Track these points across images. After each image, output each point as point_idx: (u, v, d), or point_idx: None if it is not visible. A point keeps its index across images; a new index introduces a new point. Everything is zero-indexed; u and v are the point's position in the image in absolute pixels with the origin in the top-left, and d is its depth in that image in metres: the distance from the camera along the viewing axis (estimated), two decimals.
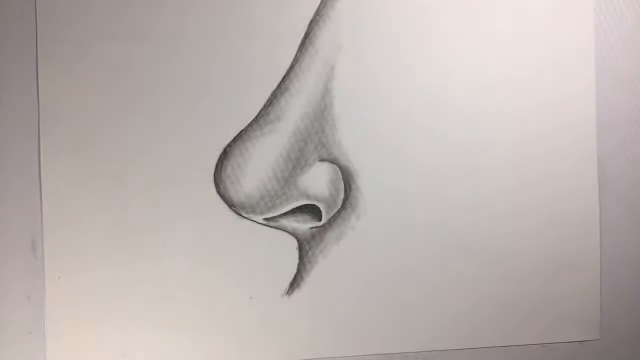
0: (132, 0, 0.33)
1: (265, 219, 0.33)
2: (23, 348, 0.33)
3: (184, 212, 0.33)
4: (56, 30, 0.33)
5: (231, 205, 0.33)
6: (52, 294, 0.33)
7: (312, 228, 0.34)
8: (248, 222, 0.33)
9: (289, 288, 0.33)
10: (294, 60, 0.34)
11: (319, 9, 0.34)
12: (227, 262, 0.33)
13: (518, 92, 0.34)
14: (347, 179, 0.34)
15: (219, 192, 0.33)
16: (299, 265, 0.33)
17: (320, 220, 0.33)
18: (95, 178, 0.33)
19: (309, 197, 0.34)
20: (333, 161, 0.34)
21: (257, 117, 0.34)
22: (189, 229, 0.33)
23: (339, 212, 0.34)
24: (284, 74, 0.34)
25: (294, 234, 0.33)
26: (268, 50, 0.34)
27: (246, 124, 0.34)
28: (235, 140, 0.33)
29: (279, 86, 0.34)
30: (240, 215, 0.33)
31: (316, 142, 0.34)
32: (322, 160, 0.34)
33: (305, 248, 0.33)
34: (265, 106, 0.34)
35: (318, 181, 0.34)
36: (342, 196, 0.34)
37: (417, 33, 0.34)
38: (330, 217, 0.33)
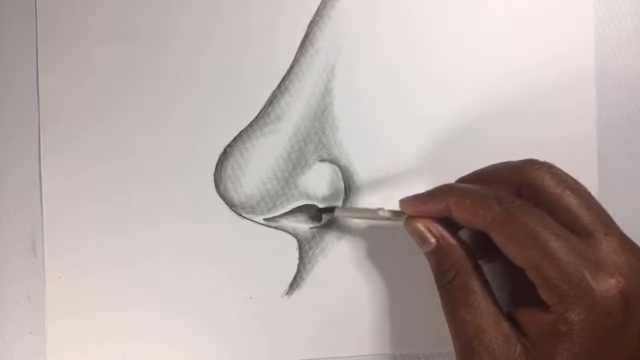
0: (132, 1, 0.33)
1: (265, 219, 0.33)
2: (23, 348, 0.33)
3: (184, 212, 0.33)
4: (56, 30, 0.33)
5: (231, 205, 0.33)
6: (52, 294, 0.33)
7: (312, 228, 0.34)
8: (248, 222, 0.33)
9: (289, 288, 0.33)
10: (294, 60, 0.34)
11: (319, 9, 0.34)
12: (227, 262, 0.33)
13: (518, 92, 0.34)
14: (347, 179, 0.34)
15: (219, 192, 0.33)
16: (299, 265, 0.33)
17: (320, 220, 0.33)
18: (95, 178, 0.33)
19: (309, 197, 0.34)
20: (333, 161, 0.34)
21: (257, 117, 0.34)
22: (189, 229, 0.33)
23: None
24: (283, 74, 0.34)
25: (294, 234, 0.33)
26: (268, 51, 0.34)
27: (246, 124, 0.34)
28: (235, 140, 0.33)
29: (279, 86, 0.34)
30: (240, 215, 0.33)
31: (316, 142, 0.34)
32: (322, 160, 0.34)
33: (305, 248, 0.33)
34: (265, 106, 0.34)
35: (318, 181, 0.34)
36: (342, 196, 0.34)
37: (417, 33, 0.34)
38: (330, 217, 0.33)
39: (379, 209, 0.30)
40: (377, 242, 0.33)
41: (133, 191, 0.33)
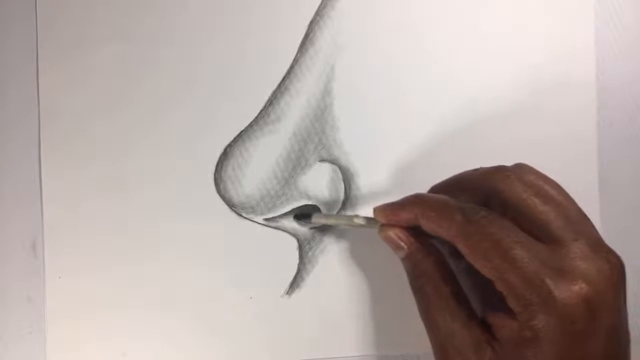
0: (132, 1, 0.33)
1: (265, 219, 0.33)
2: (23, 348, 0.33)
3: (184, 212, 0.33)
4: (56, 30, 0.33)
5: (231, 205, 0.33)
6: (52, 294, 0.33)
7: (312, 228, 0.34)
8: (248, 222, 0.33)
9: (289, 288, 0.33)
10: (294, 60, 0.34)
11: (318, 9, 0.34)
12: (227, 262, 0.33)
13: (518, 92, 0.34)
14: (347, 179, 0.34)
15: (219, 192, 0.33)
16: (299, 265, 0.33)
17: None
18: (95, 178, 0.33)
19: (309, 197, 0.34)
20: (333, 161, 0.34)
21: (257, 118, 0.34)
22: (188, 229, 0.33)
23: (339, 212, 0.34)
24: (283, 74, 0.34)
25: (294, 234, 0.33)
26: (268, 51, 0.34)
27: (246, 124, 0.34)
28: (235, 140, 0.33)
29: (279, 86, 0.34)
30: (241, 215, 0.33)
31: (316, 142, 0.34)
32: (322, 160, 0.34)
33: (305, 248, 0.33)
34: (265, 106, 0.34)
35: (318, 181, 0.34)
36: (342, 196, 0.34)
37: (417, 33, 0.34)
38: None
39: (355, 216, 0.31)
40: (377, 243, 0.33)
41: (133, 192, 0.33)
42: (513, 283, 0.24)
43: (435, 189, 0.30)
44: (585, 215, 0.27)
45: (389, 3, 0.34)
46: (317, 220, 0.33)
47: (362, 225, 0.30)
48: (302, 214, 0.33)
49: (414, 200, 0.28)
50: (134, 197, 0.33)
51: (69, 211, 0.33)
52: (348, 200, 0.34)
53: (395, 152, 0.34)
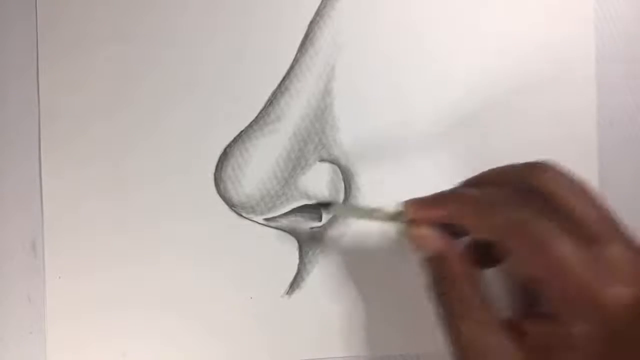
0: (132, 1, 0.33)
1: (265, 219, 0.33)
2: (23, 348, 0.33)
3: (184, 212, 0.33)
4: (56, 30, 0.33)
5: (231, 205, 0.33)
6: (52, 294, 0.33)
7: (312, 228, 0.34)
8: (248, 222, 0.33)
9: (289, 288, 0.33)
10: (294, 60, 0.34)
11: (318, 9, 0.34)
12: (227, 262, 0.33)
13: (518, 92, 0.34)
14: (347, 179, 0.34)
15: (219, 192, 0.33)
16: (299, 265, 0.33)
17: (320, 220, 0.33)
18: (95, 178, 0.33)
19: (309, 197, 0.34)
20: (333, 161, 0.34)
21: (257, 118, 0.34)
22: (188, 229, 0.33)
23: None
24: (283, 74, 0.34)
25: (294, 234, 0.33)
26: (268, 51, 0.34)
27: (246, 124, 0.34)
28: (235, 140, 0.33)
29: (279, 86, 0.34)
30: (241, 215, 0.33)
31: (316, 142, 0.34)
32: (322, 160, 0.34)
33: (305, 248, 0.33)
34: (265, 106, 0.34)
35: (318, 181, 0.34)
36: (342, 196, 0.34)
37: (417, 33, 0.34)
38: (330, 217, 0.33)
39: (378, 209, 0.29)
40: (377, 242, 0.33)
41: (133, 192, 0.33)
42: (556, 285, 0.23)
43: (468, 185, 0.28)
44: (617, 216, 0.25)
45: (389, 3, 0.34)
46: (337, 210, 0.32)
47: (385, 219, 0.28)
48: (324, 203, 0.33)
49: (450, 196, 0.26)
50: (134, 197, 0.33)
51: (69, 211, 0.33)
52: (348, 200, 0.34)
53: (395, 151, 0.34)
